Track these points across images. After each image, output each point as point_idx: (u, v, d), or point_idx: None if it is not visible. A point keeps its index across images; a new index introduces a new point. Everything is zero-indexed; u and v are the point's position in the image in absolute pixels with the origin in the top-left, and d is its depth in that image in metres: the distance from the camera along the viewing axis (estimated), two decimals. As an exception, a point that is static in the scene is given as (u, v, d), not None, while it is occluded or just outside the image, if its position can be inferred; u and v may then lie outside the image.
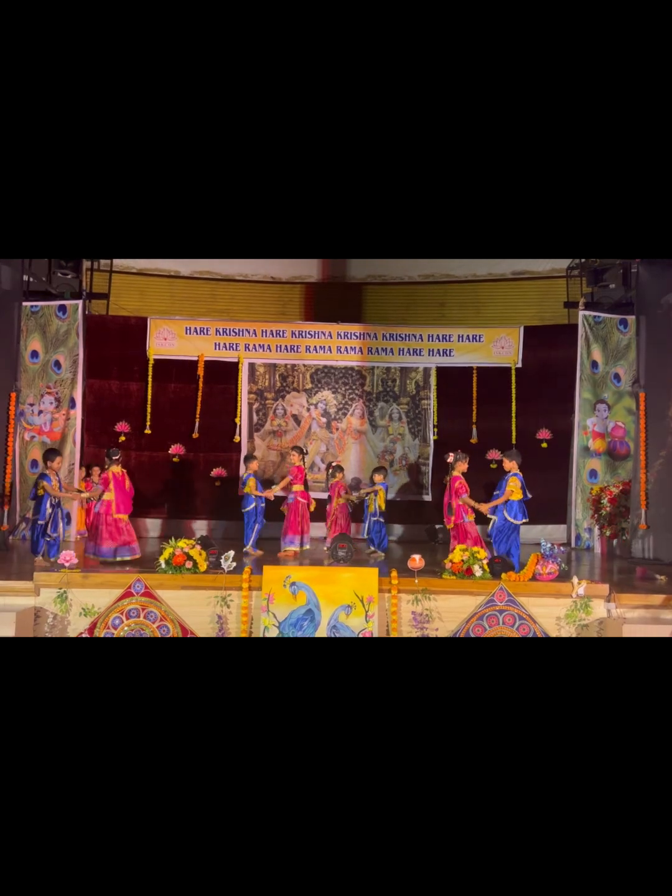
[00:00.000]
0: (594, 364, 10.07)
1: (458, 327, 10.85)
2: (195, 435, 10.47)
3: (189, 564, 6.32)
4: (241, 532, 8.76)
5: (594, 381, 10.08)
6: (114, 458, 7.69)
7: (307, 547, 8.39)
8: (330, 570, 6.51)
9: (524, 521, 7.09)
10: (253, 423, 10.72)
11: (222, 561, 6.29)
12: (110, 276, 10.74)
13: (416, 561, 6.30)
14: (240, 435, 10.57)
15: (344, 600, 6.14)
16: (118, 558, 7.42)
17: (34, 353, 9.96)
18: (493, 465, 10.07)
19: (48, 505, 7.37)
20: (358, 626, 6.10)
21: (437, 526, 9.27)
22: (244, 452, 10.42)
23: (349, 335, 10.73)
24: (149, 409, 10.42)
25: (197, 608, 6.19)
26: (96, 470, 9.35)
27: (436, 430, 10.67)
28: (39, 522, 7.35)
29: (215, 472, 10.47)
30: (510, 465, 7.20)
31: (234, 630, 6.17)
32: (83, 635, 6.03)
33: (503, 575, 6.39)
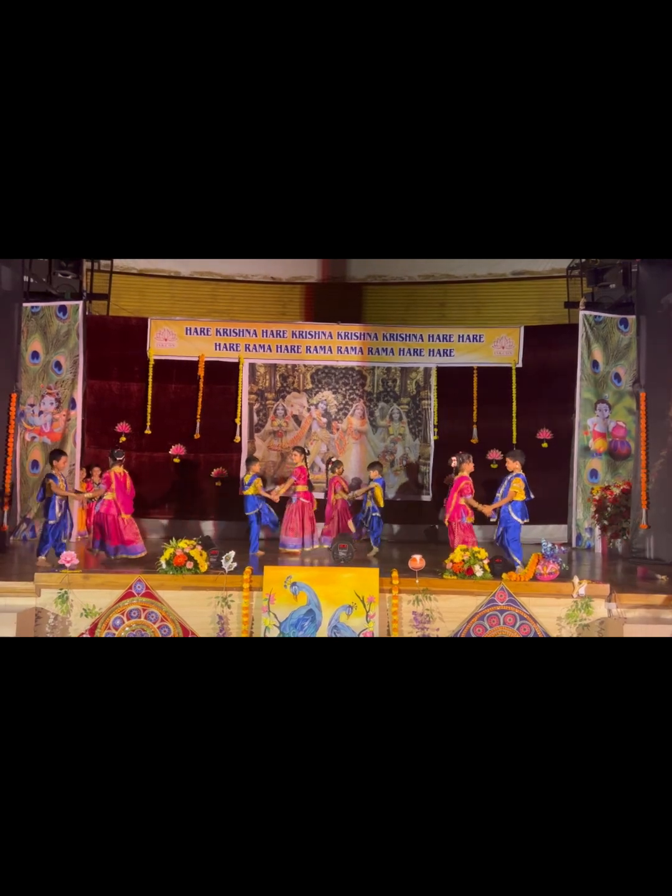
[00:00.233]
0: (595, 364, 10.07)
1: (459, 327, 10.85)
2: (197, 435, 10.47)
3: (190, 565, 6.32)
4: (242, 532, 8.77)
5: (595, 380, 10.07)
6: (117, 458, 7.73)
7: (317, 545, 8.40)
8: (331, 570, 6.51)
9: (525, 521, 7.08)
10: (253, 423, 10.72)
11: (223, 561, 6.29)
12: (110, 277, 10.75)
13: (417, 561, 6.30)
14: (240, 435, 10.57)
15: (345, 600, 6.14)
16: (120, 556, 7.49)
17: (35, 354, 9.96)
18: (494, 465, 10.07)
19: (58, 506, 7.38)
20: (359, 626, 6.10)
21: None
22: (244, 452, 10.43)
23: (349, 335, 10.72)
24: (149, 410, 10.42)
25: (198, 608, 6.19)
26: (97, 470, 9.35)
27: (436, 430, 10.66)
28: (49, 523, 7.34)
29: (216, 472, 10.47)
30: (513, 465, 7.16)
31: (235, 630, 6.17)
32: (84, 636, 6.03)
33: (504, 575, 6.39)
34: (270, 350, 10.70)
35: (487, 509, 7.23)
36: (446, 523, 7.56)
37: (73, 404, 9.97)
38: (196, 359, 10.55)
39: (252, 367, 10.71)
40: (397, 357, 10.74)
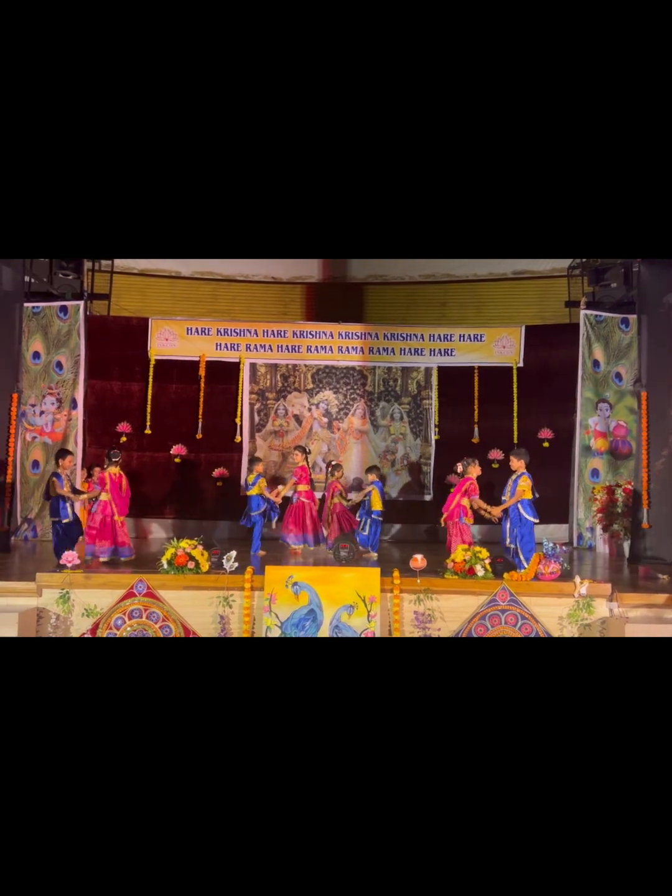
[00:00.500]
0: (596, 363, 10.07)
1: (460, 327, 10.85)
2: (199, 435, 10.48)
3: (191, 565, 6.32)
4: (243, 532, 8.76)
5: (596, 380, 10.07)
6: (114, 459, 7.66)
7: (320, 545, 8.40)
8: (332, 570, 6.50)
9: (536, 520, 7.06)
10: (254, 423, 10.72)
11: (224, 561, 6.29)
12: (111, 277, 10.75)
13: (419, 561, 6.30)
14: (241, 435, 10.57)
15: (346, 600, 6.14)
16: (110, 557, 7.40)
17: (36, 354, 9.97)
18: (495, 465, 10.07)
19: (69, 505, 7.38)
20: (360, 625, 6.10)
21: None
22: (245, 452, 10.43)
23: (350, 335, 10.73)
24: (149, 410, 10.42)
25: (199, 608, 6.20)
26: (97, 470, 9.35)
27: (437, 429, 10.66)
28: (64, 522, 7.33)
29: (217, 472, 10.47)
30: (518, 464, 7.12)
31: (237, 630, 6.17)
32: (86, 636, 6.03)
33: (505, 574, 6.39)
34: (271, 350, 10.70)
35: (496, 511, 7.16)
36: (442, 523, 7.55)
37: (74, 404, 9.98)
38: (197, 359, 10.55)
39: (253, 366, 10.71)
40: (398, 357, 10.74)
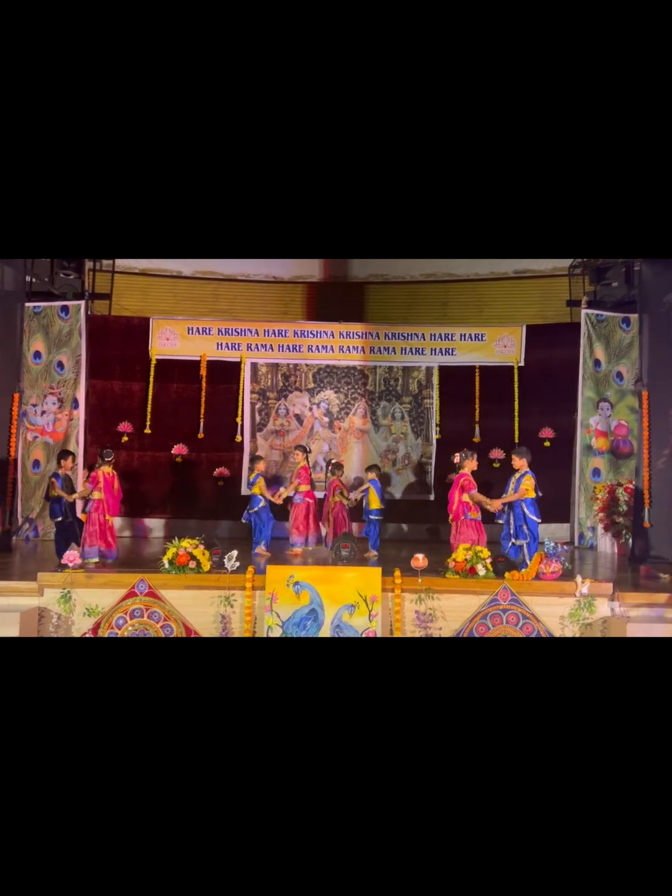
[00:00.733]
0: (597, 362, 10.06)
1: (461, 326, 10.85)
2: (200, 435, 10.48)
3: (192, 564, 6.32)
4: (245, 531, 8.76)
5: (597, 379, 10.07)
6: (107, 458, 7.45)
7: (320, 545, 8.39)
8: (333, 569, 6.50)
9: (540, 520, 7.06)
10: (255, 422, 10.73)
11: (225, 561, 6.29)
12: (112, 277, 10.76)
13: (420, 560, 6.29)
14: (242, 435, 10.57)
15: (347, 600, 6.14)
16: (93, 559, 7.13)
17: (37, 354, 9.98)
18: (496, 464, 10.07)
19: (63, 507, 7.37)
20: (361, 625, 6.10)
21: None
22: (247, 452, 10.43)
23: (351, 335, 10.73)
24: (149, 409, 10.42)
25: (201, 608, 6.20)
26: (85, 472, 9.30)
27: (438, 429, 10.67)
28: (67, 522, 7.32)
29: (218, 471, 10.47)
30: (520, 462, 7.12)
31: (238, 630, 6.17)
32: (87, 635, 6.04)
33: (507, 574, 6.39)
34: (272, 349, 10.70)
35: (495, 504, 7.17)
36: (450, 522, 7.50)
37: (75, 404, 9.99)
38: (198, 358, 10.56)
39: (254, 366, 10.71)
40: (399, 356, 10.74)
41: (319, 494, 9.15)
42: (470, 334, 10.71)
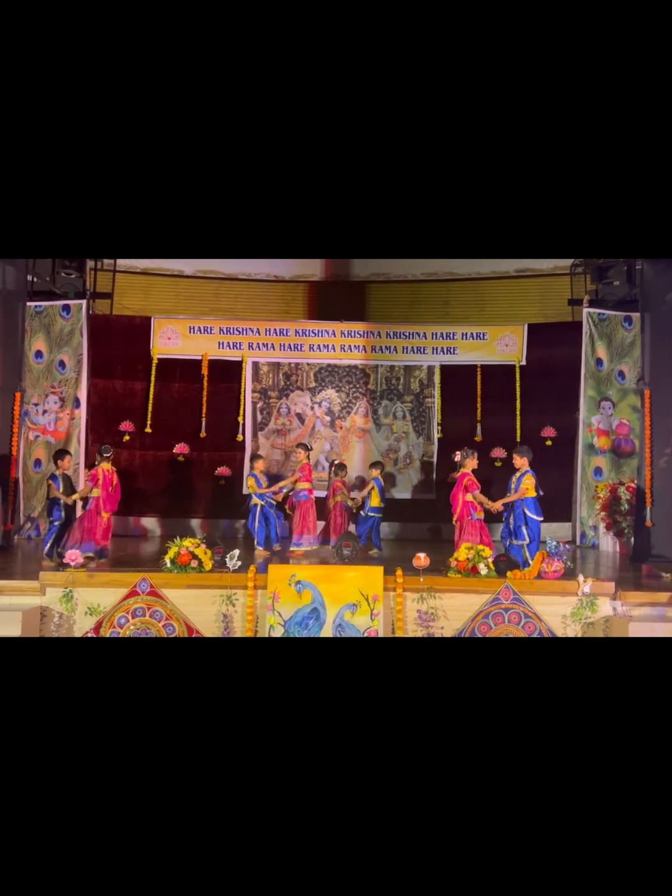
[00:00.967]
0: (599, 361, 10.05)
1: (462, 325, 10.84)
2: (202, 434, 10.48)
3: (194, 563, 6.32)
4: (245, 529, 8.76)
5: (598, 378, 10.06)
6: (105, 455, 7.38)
7: (317, 545, 8.36)
8: (335, 568, 6.50)
9: (541, 518, 7.05)
10: (257, 421, 10.72)
11: (227, 560, 6.29)
12: (114, 276, 10.76)
13: (421, 559, 6.29)
14: (243, 434, 10.57)
15: (349, 599, 6.13)
16: (90, 553, 7.01)
17: (38, 353, 9.98)
18: (498, 463, 10.06)
19: (61, 507, 7.36)
20: (363, 624, 6.10)
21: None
22: (248, 451, 10.42)
23: (353, 333, 10.72)
24: (150, 409, 10.42)
25: (202, 607, 6.19)
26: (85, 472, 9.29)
27: (440, 428, 10.66)
28: (54, 523, 7.33)
29: (220, 471, 10.47)
30: (521, 461, 7.11)
31: (240, 629, 6.17)
32: (89, 634, 6.04)
33: (508, 573, 6.38)
34: (274, 348, 10.70)
35: (496, 505, 7.18)
36: (455, 523, 7.47)
37: (77, 403, 9.99)
38: (199, 357, 10.56)
39: (255, 365, 10.71)
40: (401, 355, 10.74)
41: (319, 494, 9.14)
42: (471, 333, 10.70)
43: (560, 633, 6.08)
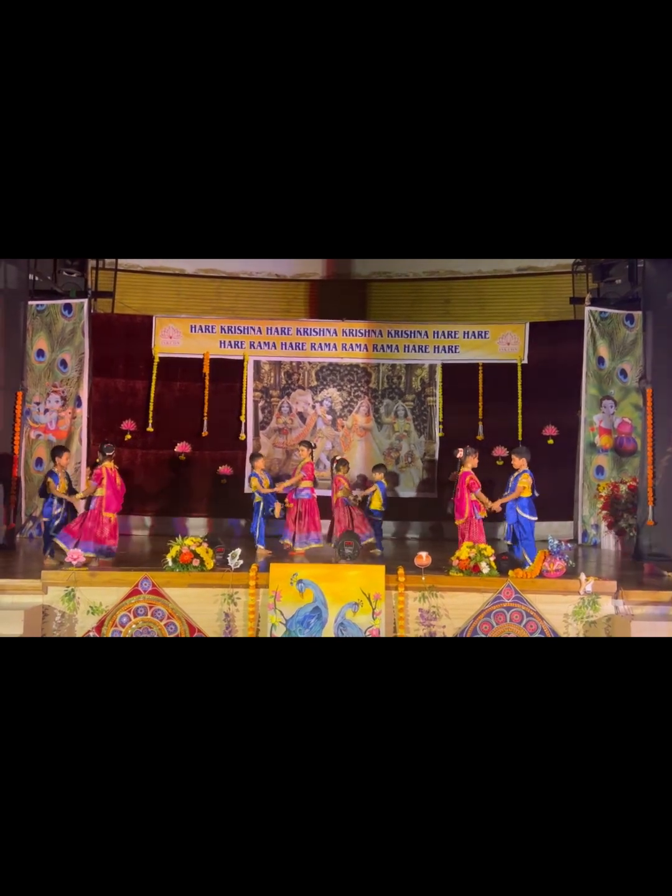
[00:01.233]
0: (600, 360, 10.04)
1: (464, 324, 10.83)
2: (204, 433, 10.48)
3: (196, 562, 6.32)
4: (247, 528, 8.76)
5: (600, 377, 10.05)
6: (107, 453, 7.35)
7: (319, 544, 8.37)
8: (337, 567, 6.50)
9: (535, 518, 7.07)
10: (258, 420, 10.72)
11: (229, 559, 6.29)
12: (115, 275, 10.76)
13: (423, 558, 6.29)
14: (245, 433, 10.57)
15: (351, 598, 6.13)
16: (90, 553, 6.98)
17: (40, 352, 9.99)
18: (500, 462, 10.05)
19: (55, 504, 7.36)
20: (365, 623, 6.10)
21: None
22: (250, 450, 10.42)
23: (354, 332, 10.72)
24: (151, 407, 10.42)
25: (204, 606, 6.19)
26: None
27: (441, 426, 10.66)
28: (48, 519, 7.34)
29: (221, 469, 10.47)
30: (520, 462, 7.15)
31: (242, 628, 6.17)
32: (91, 633, 6.04)
33: (510, 572, 6.38)
34: (275, 347, 10.70)
35: (495, 505, 7.20)
36: (457, 523, 7.45)
37: (78, 402, 10.00)
38: (201, 356, 10.56)
39: (257, 364, 10.71)
40: (402, 354, 10.73)
41: (322, 492, 9.13)
42: (473, 332, 10.69)
43: (562, 632, 6.08)
